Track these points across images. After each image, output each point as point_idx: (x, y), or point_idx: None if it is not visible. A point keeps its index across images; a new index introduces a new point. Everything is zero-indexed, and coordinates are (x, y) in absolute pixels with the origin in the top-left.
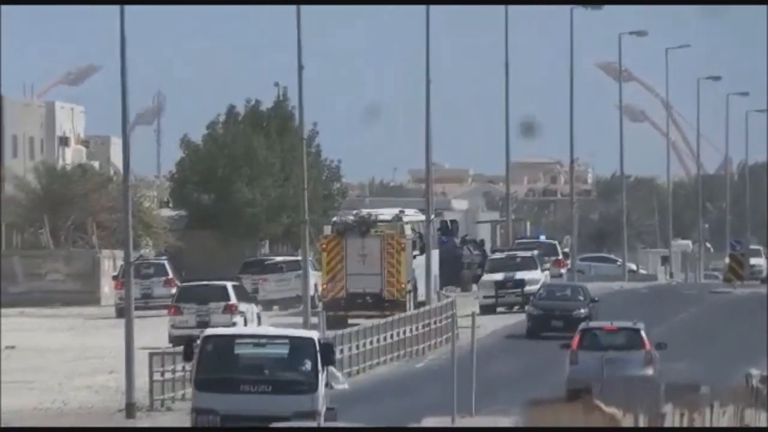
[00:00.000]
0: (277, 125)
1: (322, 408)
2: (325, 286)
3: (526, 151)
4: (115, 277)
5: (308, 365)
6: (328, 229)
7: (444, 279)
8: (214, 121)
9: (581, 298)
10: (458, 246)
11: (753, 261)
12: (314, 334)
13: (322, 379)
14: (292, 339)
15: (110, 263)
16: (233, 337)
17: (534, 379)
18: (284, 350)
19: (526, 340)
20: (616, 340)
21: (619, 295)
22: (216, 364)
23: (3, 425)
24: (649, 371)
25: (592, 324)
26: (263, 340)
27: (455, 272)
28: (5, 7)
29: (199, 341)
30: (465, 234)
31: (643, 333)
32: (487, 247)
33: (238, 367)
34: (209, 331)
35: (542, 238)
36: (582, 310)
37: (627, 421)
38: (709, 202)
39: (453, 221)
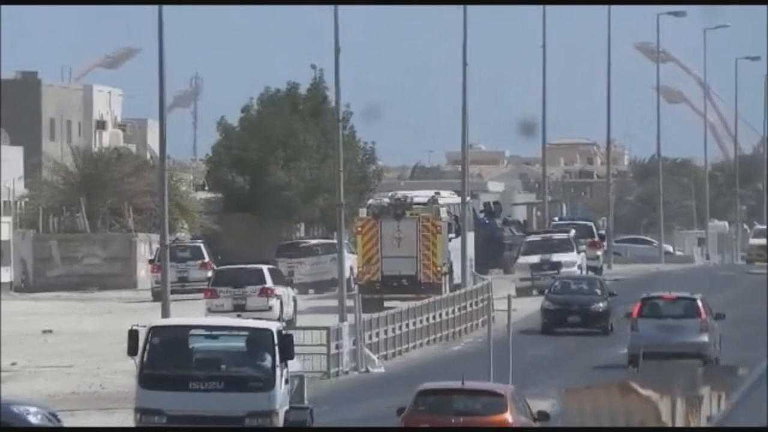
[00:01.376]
0: (312, 108)
1: (280, 407)
2: (360, 268)
3: (563, 132)
4: (151, 261)
5: (266, 360)
6: (363, 212)
7: (486, 260)
8: (249, 104)
9: (598, 291)
10: (500, 227)
11: None
12: (273, 326)
13: (281, 375)
14: (247, 330)
15: (146, 247)
16: (181, 329)
17: (571, 360)
18: (239, 343)
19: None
20: (674, 309)
21: (656, 278)
22: (163, 358)
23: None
24: (704, 338)
25: (653, 293)
26: (214, 332)
27: (497, 254)
28: None
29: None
30: (507, 215)
31: (699, 302)
32: None
33: (187, 361)
34: (156, 322)
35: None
36: (600, 304)
37: (664, 404)
38: (745, 184)
39: (496, 203)
